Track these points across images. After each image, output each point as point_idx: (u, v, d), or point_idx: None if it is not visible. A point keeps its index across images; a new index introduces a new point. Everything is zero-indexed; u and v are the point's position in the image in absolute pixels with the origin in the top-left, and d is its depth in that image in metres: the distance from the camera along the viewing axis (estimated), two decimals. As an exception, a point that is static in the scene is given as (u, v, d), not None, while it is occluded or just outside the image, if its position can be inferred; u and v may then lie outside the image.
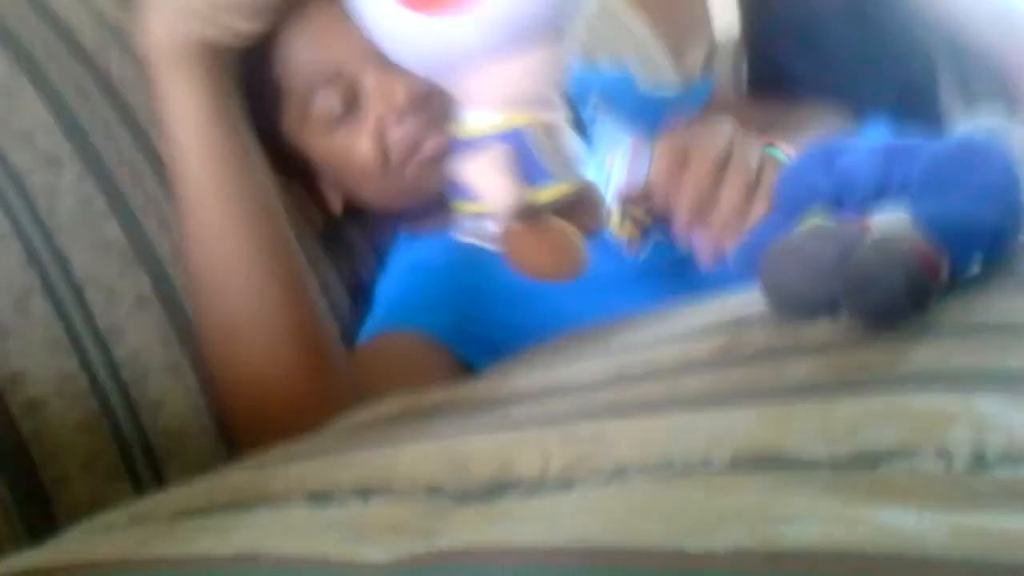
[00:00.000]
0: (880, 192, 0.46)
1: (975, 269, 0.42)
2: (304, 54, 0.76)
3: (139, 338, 0.68)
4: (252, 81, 0.91)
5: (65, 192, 0.70)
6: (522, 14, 0.49)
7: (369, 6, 0.51)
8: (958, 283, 0.40)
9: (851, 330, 0.39)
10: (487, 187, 0.51)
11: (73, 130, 0.73)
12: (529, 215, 0.50)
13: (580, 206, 0.54)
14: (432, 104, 0.88)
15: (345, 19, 0.63)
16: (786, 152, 0.69)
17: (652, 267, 0.84)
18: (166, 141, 0.56)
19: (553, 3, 0.50)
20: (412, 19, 0.49)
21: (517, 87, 0.51)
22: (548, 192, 0.52)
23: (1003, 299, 0.39)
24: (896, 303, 0.38)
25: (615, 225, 0.87)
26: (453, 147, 0.54)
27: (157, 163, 0.78)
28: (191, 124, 0.54)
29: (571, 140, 0.54)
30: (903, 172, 0.45)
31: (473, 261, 0.90)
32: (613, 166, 0.76)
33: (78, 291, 0.67)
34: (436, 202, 0.93)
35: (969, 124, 0.48)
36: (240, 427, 0.66)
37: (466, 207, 0.53)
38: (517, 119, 0.51)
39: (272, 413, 0.61)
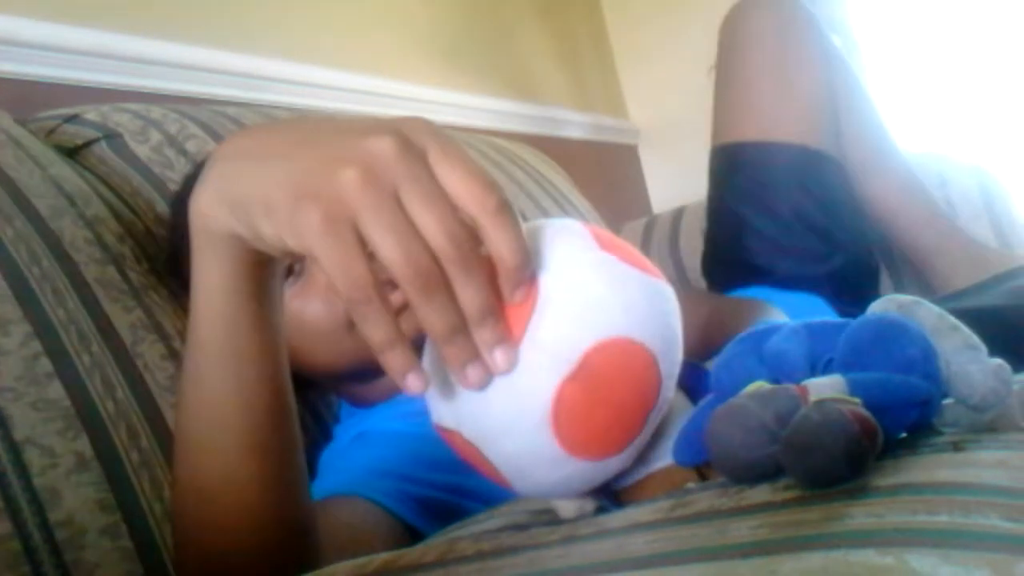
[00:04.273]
0: (811, 367, 0.48)
1: (903, 433, 0.45)
2: None
3: (76, 500, 0.67)
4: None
5: (11, 352, 0.70)
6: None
7: (523, 444, 0.47)
8: (889, 446, 0.42)
9: (792, 490, 0.40)
10: None
11: (23, 293, 0.74)
12: None
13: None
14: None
15: None
16: None
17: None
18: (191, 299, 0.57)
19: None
20: (569, 461, 0.47)
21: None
22: None
23: (929, 461, 0.41)
24: (836, 466, 0.39)
25: None
26: None
27: (105, 325, 0.79)
28: (207, 295, 0.55)
29: None
30: (827, 349, 0.48)
31: (418, 429, 0.90)
32: None
33: (17, 451, 0.66)
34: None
35: (882, 302, 0.51)
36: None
37: None
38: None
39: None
